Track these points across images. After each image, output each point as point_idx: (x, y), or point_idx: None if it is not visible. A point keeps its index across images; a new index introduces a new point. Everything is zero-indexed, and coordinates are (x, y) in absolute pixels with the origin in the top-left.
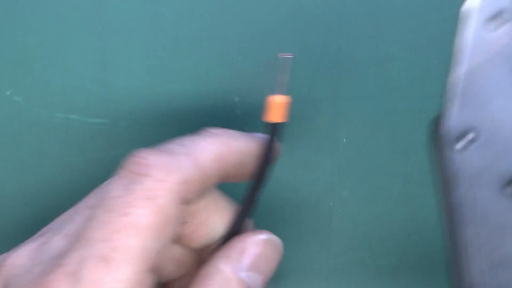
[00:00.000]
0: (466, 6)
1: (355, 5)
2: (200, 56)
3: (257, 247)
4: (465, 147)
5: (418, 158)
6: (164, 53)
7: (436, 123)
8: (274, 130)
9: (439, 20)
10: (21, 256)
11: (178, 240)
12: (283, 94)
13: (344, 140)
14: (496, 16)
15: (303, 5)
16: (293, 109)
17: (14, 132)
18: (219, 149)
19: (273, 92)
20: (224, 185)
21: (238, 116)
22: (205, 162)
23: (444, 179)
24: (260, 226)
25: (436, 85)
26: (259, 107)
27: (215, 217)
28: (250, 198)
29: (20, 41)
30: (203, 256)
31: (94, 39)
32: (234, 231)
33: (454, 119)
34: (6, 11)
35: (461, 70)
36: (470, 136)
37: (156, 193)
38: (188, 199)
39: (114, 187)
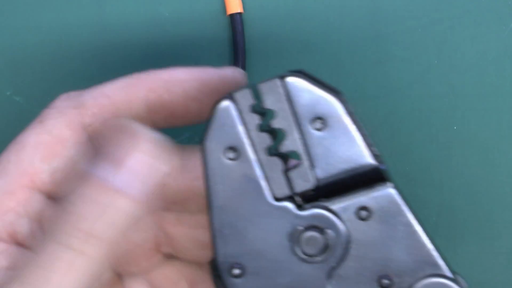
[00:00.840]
0: (205, 138)
1: (355, 5)
2: (201, 57)
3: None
4: (235, 283)
5: (418, 158)
6: (164, 53)
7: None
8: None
9: (439, 20)
10: None
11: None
12: None
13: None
14: (230, 150)
15: (303, 5)
16: None
17: (14, 132)
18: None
19: None
20: None
21: None
22: (112, 92)
23: None
24: None
25: (436, 85)
26: None
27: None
28: None
29: (20, 41)
30: None
31: (94, 38)
32: None
33: (221, 256)
34: (6, 11)
35: (213, 205)
36: (237, 271)
37: (47, 116)
38: (88, 124)
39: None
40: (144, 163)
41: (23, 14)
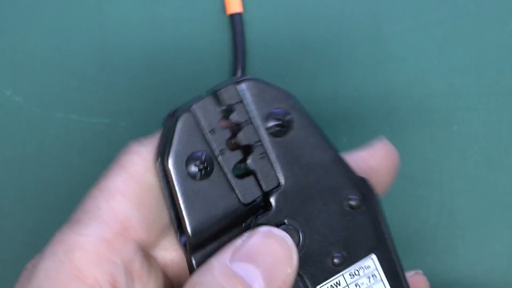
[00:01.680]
0: (167, 154)
1: (355, 5)
2: (201, 57)
3: (253, 238)
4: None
5: (418, 158)
6: (164, 53)
7: None
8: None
9: (439, 20)
10: None
11: None
12: None
13: (344, 140)
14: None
15: (303, 5)
16: None
17: (14, 132)
18: None
19: None
20: None
21: None
22: None
23: None
24: None
25: (436, 85)
26: None
27: None
28: None
29: (20, 41)
30: None
31: (94, 38)
32: None
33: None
34: (6, 11)
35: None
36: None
37: (129, 162)
38: None
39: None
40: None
41: (23, 14)
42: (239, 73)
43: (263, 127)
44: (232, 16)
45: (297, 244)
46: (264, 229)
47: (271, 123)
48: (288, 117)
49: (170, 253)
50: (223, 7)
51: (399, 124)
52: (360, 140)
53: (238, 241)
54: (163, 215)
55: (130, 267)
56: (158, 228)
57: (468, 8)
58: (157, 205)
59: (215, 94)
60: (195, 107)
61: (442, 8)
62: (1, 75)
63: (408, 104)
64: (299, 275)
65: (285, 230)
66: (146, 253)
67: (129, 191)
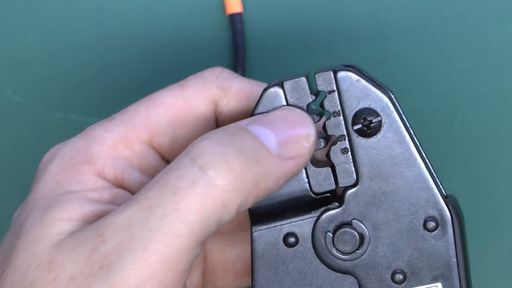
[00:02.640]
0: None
1: (355, 5)
2: (200, 57)
3: (274, 110)
4: None
5: None
6: (164, 52)
7: None
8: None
9: (439, 20)
10: None
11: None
12: None
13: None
14: None
15: (302, 5)
16: None
17: (14, 132)
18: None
19: None
20: None
21: None
22: (257, 89)
23: None
24: None
25: (436, 85)
26: None
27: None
28: None
29: (20, 41)
30: None
31: (94, 38)
32: None
33: None
34: (6, 11)
35: None
36: None
37: (189, 83)
38: (221, 109)
39: None
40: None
41: (23, 14)
42: (239, 74)
43: (351, 123)
44: (232, 16)
45: (358, 248)
46: (286, 106)
47: (359, 121)
48: (377, 119)
49: None
50: (223, 7)
51: None
52: None
53: (257, 116)
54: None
55: (151, 172)
56: None
57: (468, 8)
58: (198, 133)
59: (311, 76)
60: (287, 83)
61: (442, 8)
62: (1, 75)
63: (408, 104)
64: (356, 278)
65: (348, 231)
66: None
67: (173, 108)
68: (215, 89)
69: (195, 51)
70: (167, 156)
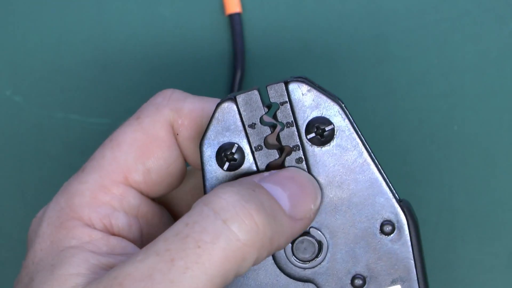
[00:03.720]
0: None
1: (355, 6)
2: (200, 57)
3: (282, 171)
4: None
5: (418, 158)
6: (163, 53)
7: None
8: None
9: (439, 20)
10: None
11: None
12: None
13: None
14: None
15: (302, 5)
16: None
17: (14, 132)
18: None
19: None
20: None
21: None
22: (208, 108)
23: None
24: None
25: (436, 85)
26: None
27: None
28: None
29: (20, 41)
30: None
31: (94, 38)
32: None
33: None
34: (6, 11)
35: None
36: None
37: (145, 113)
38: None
39: None
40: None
41: (23, 14)
42: (238, 74)
43: (304, 133)
44: (231, 16)
45: (317, 255)
46: (292, 168)
47: (312, 130)
48: (330, 127)
49: (181, 207)
50: (222, 7)
51: (399, 124)
52: None
53: (266, 173)
54: (174, 171)
55: (135, 212)
56: (164, 182)
57: (468, 8)
58: (166, 160)
59: (264, 89)
60: (239, 97)
61: (442, 8)
62: (1, 75)
63: (408, 104)
64: (316, 286)
65: (307, 239)
66: (155, 203)
67: (136, 143)
68: (168, 112)
69: (195, 51)
70: (144, 190)
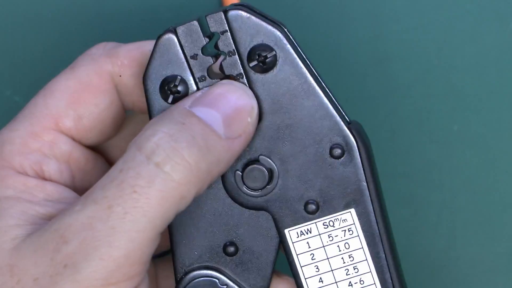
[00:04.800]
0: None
1: (355, 5)
2: None
3: (214, 88)
4: None
5: (418, 158)
6: None
7: None
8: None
9: (439, 20)
10: None
11: None
12: None
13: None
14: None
15: (302, 5)
16: None
17: None
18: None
19: None
20: None
21: None
22: (147, 47)
23: None
24: None
25: (436, 85)
26: None
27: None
28: None
29: (20, 41)
30: None
31: (94, 39)
32: None
33: None
34: (6, 11)
35: None
36: None
37: (79, 63)
38: (117, 73)
39: None
40: (238, 110)
41: (23, 14)
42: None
43: (246, 61)
44: None
45: (268, 183)
46: (225, 81)
47: (254, 58)
48: (272, 54)
49: (119, 153)
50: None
51: (399, 124)
52: None
53: (198, 93)
54: (107, 118)
55: (66, 158)
56: (97, 128)
57: (468, 8)
58: (98, 106)
59: (203, 19)
60: (179, 29)
61: (442, 8)
62: (1, 75)
63: (408, 104)
64: (270, 213)
65: (256, 167)
66: (90, 149)
67: (68, 90)
68: (104, 59)
69: None
70: (77, 137)
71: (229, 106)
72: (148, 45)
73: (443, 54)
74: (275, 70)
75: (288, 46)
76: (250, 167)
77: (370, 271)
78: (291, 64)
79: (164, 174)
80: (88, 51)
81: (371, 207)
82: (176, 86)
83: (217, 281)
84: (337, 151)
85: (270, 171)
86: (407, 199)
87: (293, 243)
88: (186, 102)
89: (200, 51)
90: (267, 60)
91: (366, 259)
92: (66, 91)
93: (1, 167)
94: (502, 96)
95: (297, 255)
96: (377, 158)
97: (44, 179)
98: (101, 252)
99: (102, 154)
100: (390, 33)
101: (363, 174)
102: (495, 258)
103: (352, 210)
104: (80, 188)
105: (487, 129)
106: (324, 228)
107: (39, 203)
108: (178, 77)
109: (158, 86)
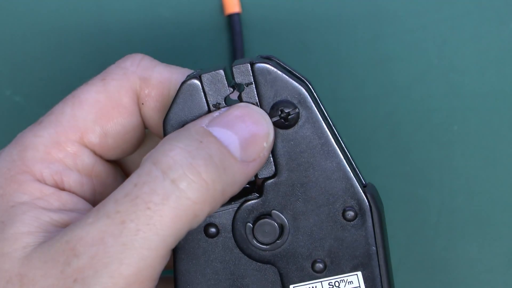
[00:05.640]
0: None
1: (355, 5)
2: (199, 57)
3: (232, 109)
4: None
5: (418, 158)
6: (162, 53)
7: None
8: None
9: (439, 20)
10: None
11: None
12: None
13: (344, 140)
14: None
15: (301, 5)
16: None
17: (14, 132)
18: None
19: None
20: None
21: None
22: (177, 74)
23: None
24: None
25: (436, 85)
26: None
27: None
28: None
29: (20, 41)
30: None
31: (94, 39)
32: None
33: None
34: (6, 11)
35: None
36: None
37: (111, 75)
38: (145, 95)
39: None
40: (255, 133)
41: (23, 14)
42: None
43: (268, 115)
44: (231, 16)
45: (278, 238)
46: (242, 104)
47: (277, 113)
48: (295, 111)
49: (136, 167)
50: (221, 7)
51: (399, 124)
52: (360, 140)
53: (215, 112)
54: (131, 138)
55: (88, 171)
56: (120, 147)
57: (468, 8)
58: (125, 127)
59: (230, 69)
60: (204, 76)
61: (442, 8)
62: (1, 75)
63: (408, 104)
64: (277, 268)
65: (268, 222)
66: (109, 163)
67: (98, 104)
68: (136, 79)
69: (194, 51)
70: (99, 152)
71: (246, 130)
72: (179, 75)
73: (443, 54)
74: (296, 127)
75: (312, 104)
76: (261, 221)
77: None
78: (313, 123)
79: (180, 191)
80: (122, 63)
81: (378, 272)
82: None
83: None
84: (350, 214)
85: (281, 227)
86: (407, 199)
87: None
88: (203, 121)
89: (223, 101)
90: (290, 117)
91: None
92: (95, 105)
93: (21, 171)
94: (502, 96)
95: None
96: (377, 157)
97: (63, 189)
98: (111, 269)
99: (120, 166)
100: (390, 33)
101: (374, 238)
102: (495, 258)
103: (359, 273)
104: (100, 201)
105: (487, 129)
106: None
107: (53, 210)
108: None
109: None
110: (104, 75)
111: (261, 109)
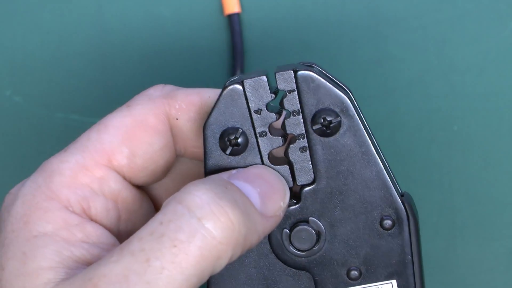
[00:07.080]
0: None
1: (355, 5)
2: (199, 57)
3: (250, 168)
4: None
5: (418, 158)
6: (162, 53)
7: None
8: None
9: (439, 20)
10: None
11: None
12: None
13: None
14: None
15: (301, 5)
16: None
17: (14, 132)
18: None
19: None
20: None
21: None
22: (205, 93)
23: None
24: None
25: (436, 85)
26: None
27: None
28: None
29: (20, 41)
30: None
31: (94, 39)
32: None
33: None
34: (6, 11)
35: None
36: None
37: (136, 102)
38: (174, 116)
39: None
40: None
41: (23, 14)
42: (238, 74)
43: (310, 123)
44: (230, 17)
45: (314, 245)
46: (259, 165)
47: (318, 121)
48: (337, 120)
49: (164, 195)
50: (221, 7)
51: (399, 124)
52: None
53: (233, 171)
54: (160, 159)
55: (114, 196)
56: (149, 169)
57: (468, 8)
58: (152, 145)
59: (272, 75)
60: (247, 82)
61: (442, 8)
62: (1, 75)
63: (408, 104)
64: (311, 274)
65: (305, 228)
66: (138, 188)
67: (124, 127)
68: (161, 100)
69: (194, 51)
70: (128, 174)
71: (265, 185)
72: (206, 92)
73: (443, 54)
74: (337, 135)
75: (354, 113)
76: (299, 227)
77: None
78: (355, 132)
79: (205, 230)
80: (146, 92)
81: (413, 280)
82: (236, 138)
83: None
84: (388, 223)
85: (318, 234)
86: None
87: None
88: (223, 175)
89: (265, 107)
90: (332, 125)
91: None
92: (121, 127)
93: (48, 198)
94: (502, 96)
95: None
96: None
97: (90, 216)
98: None
99: (147, 193)
100: (390, 33)
101: (410, 247)
102: (495, 258)
103: (394, 282)
104: (124, 228)
105: (487, 129)
106: None
107: (76, 244)
108: (240, 129)
109: (218, 136)
110: (129, 103)
111: (275, 171)
